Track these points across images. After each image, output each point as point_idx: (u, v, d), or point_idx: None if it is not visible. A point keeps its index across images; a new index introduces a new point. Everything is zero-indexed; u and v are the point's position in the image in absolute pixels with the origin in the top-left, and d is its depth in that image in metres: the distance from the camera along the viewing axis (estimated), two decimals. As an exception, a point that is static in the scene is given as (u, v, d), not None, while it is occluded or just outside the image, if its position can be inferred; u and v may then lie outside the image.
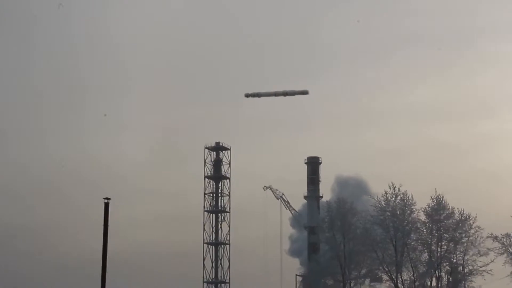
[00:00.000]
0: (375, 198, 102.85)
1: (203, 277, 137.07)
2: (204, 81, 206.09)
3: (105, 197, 62.36)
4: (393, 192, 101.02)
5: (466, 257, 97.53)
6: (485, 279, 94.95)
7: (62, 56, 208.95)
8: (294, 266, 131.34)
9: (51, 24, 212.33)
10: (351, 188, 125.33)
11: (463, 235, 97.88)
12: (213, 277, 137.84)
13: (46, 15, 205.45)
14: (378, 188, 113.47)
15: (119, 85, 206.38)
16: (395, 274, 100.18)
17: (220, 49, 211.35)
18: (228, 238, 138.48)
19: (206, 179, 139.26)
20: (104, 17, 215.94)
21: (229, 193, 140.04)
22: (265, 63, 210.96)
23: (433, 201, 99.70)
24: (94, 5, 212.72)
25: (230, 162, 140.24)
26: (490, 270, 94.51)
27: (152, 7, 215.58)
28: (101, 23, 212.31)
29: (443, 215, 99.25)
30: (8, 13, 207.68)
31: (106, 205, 61.97)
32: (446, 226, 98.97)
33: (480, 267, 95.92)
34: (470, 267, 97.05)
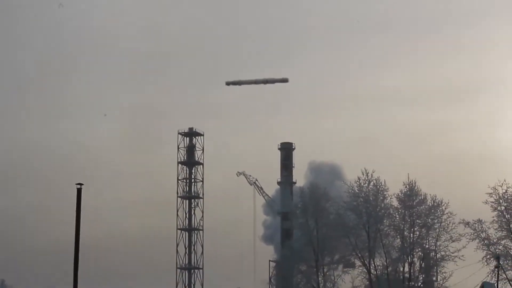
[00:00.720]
0: (348, 184, 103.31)
1: (177, 262, 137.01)
2: (180, 65, 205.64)
3: (77, 182, 62.03)
4: (366, 178, 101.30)
5: (438, 243, 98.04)
6: (457, 265, 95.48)
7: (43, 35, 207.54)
8: (268, 252, 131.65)
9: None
10: (324, 174, 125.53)
11: (435, 221, 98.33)
12: (186, 262, 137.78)
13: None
14: (351, 174, 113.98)
15: (96, 67, 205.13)
16: (368, 259, 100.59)
17: (199, 34, 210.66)
18: (201, 224, 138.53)
19: (180, 165, 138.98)
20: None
21: (203, 179, 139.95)
22: (242, 49, 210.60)
23: (406, 187, 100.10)
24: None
25: (203, 148, 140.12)
26: (462, 255, 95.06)
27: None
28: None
29: (416, 201, 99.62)
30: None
31: (79, 191, 61.59)
32: (419, 212, 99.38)
33: (452, 252, 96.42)
34: (442, 253, 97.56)
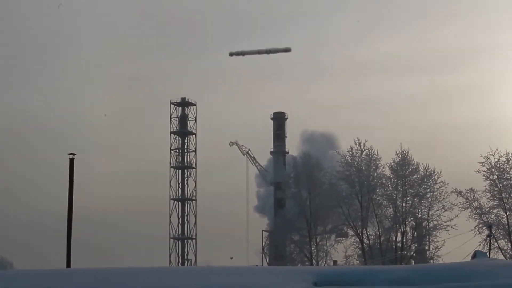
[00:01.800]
0: (341, 154, 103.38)
1: (170, 233, 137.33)
2: (173, 35, 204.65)
3: (70, 152, 61.93)
4: (359, 148, 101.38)
5: (430, 212, 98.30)
6: (449, 234, 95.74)
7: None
8: (261, 222, 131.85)
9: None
10: (317, 143, 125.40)
11: (428, 190, 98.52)
12: (179, 233, 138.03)
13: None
14: (344, 143, 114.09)
15: (89, 37, 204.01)
16: (360, 229, 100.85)
17: (195, 4, 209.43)
18: (194, 194, 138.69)
19: (172, 135, 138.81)
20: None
21: (195, 149, 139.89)
22: (234, 17, 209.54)
23: (398, 157, 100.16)
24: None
25: (196, 118, 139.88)
26: (455, 225, 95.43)
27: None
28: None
29: (408, 170, 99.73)
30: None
31: (71, 161, 61.58)
32: (411, 181, 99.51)
33: (445, 222, 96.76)
34: (435, 222, 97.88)
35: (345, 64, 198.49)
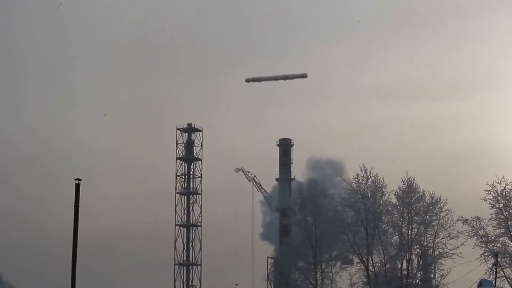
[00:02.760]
0: (346, 181, 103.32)
1: (175, 258, 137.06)
2: (179, 60, 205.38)
3: (76, 177, 61.95)
4: (365, 175, 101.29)
5: (436, 240, 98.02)
6: (455, 262, 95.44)
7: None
8: (266, 248, 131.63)
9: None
10: (323, 170, 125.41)
11: (434, 218, 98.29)
12: (184, 259, 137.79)
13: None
14: (350, 170, 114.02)
15: (95, 61, 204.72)
16: (366, 256, 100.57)
17: (203, 28, 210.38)
18: (199, 220, 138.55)
19: (178, 161, 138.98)
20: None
21: (201, 174, 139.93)
22: (243, 43, 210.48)
23: (404, 184, 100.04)
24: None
25: (202, 144, 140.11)
26: (460, 253, 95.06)
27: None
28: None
29: (414, 198, 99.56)
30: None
31: (77, 186, 61.55)
32: (417, 209, 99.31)
33: (450, 250, 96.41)
34: (440, 250, 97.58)
35: (351, 90, 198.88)
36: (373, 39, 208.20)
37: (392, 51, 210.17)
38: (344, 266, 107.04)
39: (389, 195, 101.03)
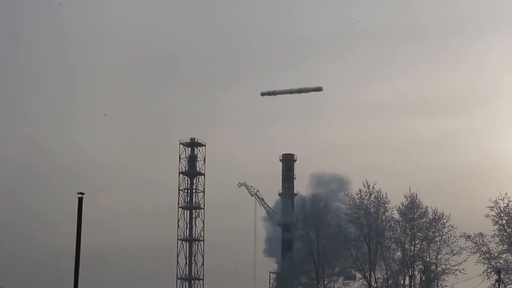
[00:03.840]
0: (349, 196, 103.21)
1: (177, 273, 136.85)
2: (182, 73, 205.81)
3: (78, 191, 61.98)
4: (367, 190, 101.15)
5: (439, 256, 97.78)
6: (458, 278, 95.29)
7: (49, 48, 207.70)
8: (268, 263, 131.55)
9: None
10: (326, 185, 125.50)
11: (436, 234, 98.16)
12: (186, 273, 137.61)
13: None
14: (353, 185, 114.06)
15: (99, 73, 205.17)
16: (368, 272, 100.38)
17: (205, 39, 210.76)
18: (202, 235, 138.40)
19: (181, 175, 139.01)
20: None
21: (204, 189, 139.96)
22: (243, 56, 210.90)
23: (407, 200, 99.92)
24: None
25: (205, 158, 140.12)
26: (463, 269, 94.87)
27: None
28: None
29: (417, 214, 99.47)
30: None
31: (80, 200, 61.58)
32: (420, 225, 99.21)
33: (453, 266, 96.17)
34: (443, 266, 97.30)
35: (354, 105, 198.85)
36: (377, 55, 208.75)
37: (396, 67, 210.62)
38: (347, 281, 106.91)
39: (392, 210, 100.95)
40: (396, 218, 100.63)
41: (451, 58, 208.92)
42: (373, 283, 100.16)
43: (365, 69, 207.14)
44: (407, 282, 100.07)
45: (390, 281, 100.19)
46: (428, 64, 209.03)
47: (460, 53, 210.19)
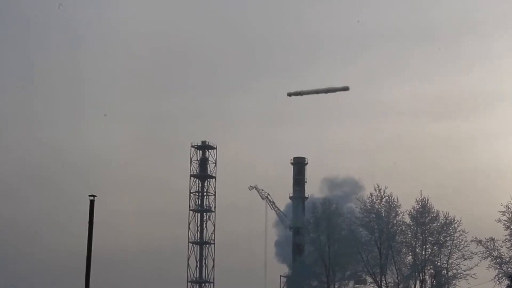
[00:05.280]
0: (361, 200, 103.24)
1: (187, 276, 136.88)
2: (194, 76, 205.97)
3: (90, 194, 62.07)
4: (378, 195, 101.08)
5: (450, 261, 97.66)
6: (469, 283, 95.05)
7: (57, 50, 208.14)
8: (279, 267, 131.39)
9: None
10: (338, 189, 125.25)
11: (448, 239, 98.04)
12: (197, 276, 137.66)
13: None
14: (364, 188, 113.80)
15: (109, 76, 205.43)
16: (379, 276, 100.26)
17: (218, 41, 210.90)
18: (213, 238, 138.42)
19: (192, 178, 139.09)
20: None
21: (215, 192, 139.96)
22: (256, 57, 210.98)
23: (418, 204, 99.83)
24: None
25: (216, 161, 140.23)
26: (474, 274, 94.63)
27: None
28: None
29: (428, 218, 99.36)
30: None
31: (92, 203, 61.66)
32: (431, 229, 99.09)
33: (464, 271, 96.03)
34: (454, 271, 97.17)
35: (367, 107, 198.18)
36: (391, 57, 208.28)
37: (411, 68, 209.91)
38: (357, 285, 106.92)
39: (403, 215, 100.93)
40: (407, 222, 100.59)
41: (467, 59, 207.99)
42: (383, 287, 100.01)
43: (379, 71, 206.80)
44: (418, 286, 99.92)
45: (401, 286, 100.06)
46: (443, 66, 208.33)
47: (475, 55, 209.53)
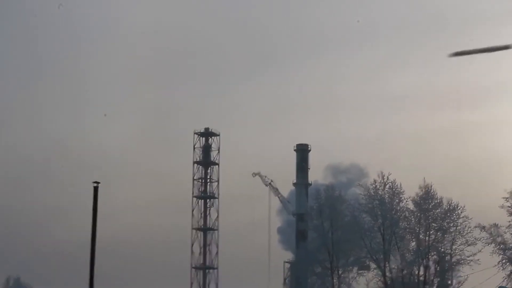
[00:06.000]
0: (364, 186, 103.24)
1: (191, 262, 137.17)
2: (196, 64, 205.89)
3: (94, 180, 62.14)
4: (382, 181, 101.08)
5: (453, 247, 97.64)
6: (472, 269, 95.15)
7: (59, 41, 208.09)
8: (283, 253, 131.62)
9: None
10: (341, 175, 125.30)
11: (451, 225, 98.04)
12: (201, 262, 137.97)
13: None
14: (368, 175, 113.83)
15: (111, 65, 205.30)
16: (383, 262, 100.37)
17: (219, 30, 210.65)
18: (216, 224, 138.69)
19: (195, 165, 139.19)
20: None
21: (218, 179, 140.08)
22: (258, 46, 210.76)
23: (422, 190, 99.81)
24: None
25: (219, 148, 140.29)
26: (478, 259, 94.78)
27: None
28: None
29: (431, 204, 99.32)
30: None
31: (96, 189, 61.75)
32: (434, 215, 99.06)
33: (468, 256, 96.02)
34: (458, 257, 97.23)
35: (372, 96, 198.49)
36: (398, 47, 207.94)
37: (416, 57, 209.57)
38: (361, 271, 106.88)
39: (406, 201, 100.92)
40: (411, 208, 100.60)
41: (474, 48, 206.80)
42: (387, 273, 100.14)
43: (385, 60, 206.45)
44: (421, 272, 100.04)
45: (404, 272, 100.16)
46: (443, 56, 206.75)
47: (483, 43, 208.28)
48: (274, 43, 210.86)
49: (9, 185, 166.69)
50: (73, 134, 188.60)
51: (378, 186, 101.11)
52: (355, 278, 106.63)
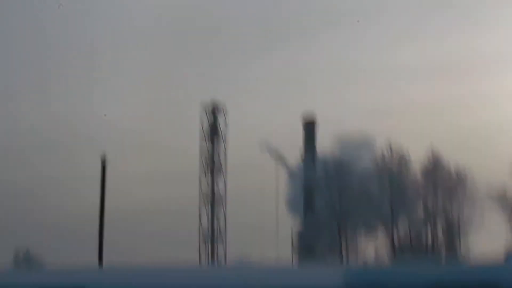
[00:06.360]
0: (372, 156, 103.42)
1: (200, 232, 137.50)
2: (205, 35, 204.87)
3: (101, 153, 62.22)
4: (391, 150, 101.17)
5: (462, 214, 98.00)
6: (481, 236, 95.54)
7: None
8: (291, 223, 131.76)
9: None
10: (350, 145, 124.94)
11: (460, 192, 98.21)
12: (209, 233, 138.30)
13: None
14: (377, 145, 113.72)
15: (117, 36, 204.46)
16: (390, 230, 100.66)
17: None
18: (224, 194, 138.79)
19: (203, 136, 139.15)
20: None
21: (225, 150, 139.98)
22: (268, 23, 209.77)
23: (430, 158, 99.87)
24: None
25: (226, 120, 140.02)
26: (487, 227, 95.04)
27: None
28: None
29: (440, 171, 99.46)
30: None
31: (103, 162, 61.88)
32: (443, 182, 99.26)
33: (476, 224, 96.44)
34: (466, 224, 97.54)
35: (385, 67, 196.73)
36: (407, 18, 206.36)
37: (429, 29, 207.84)
38: (369, 237, 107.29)
39: (415, 170, 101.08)
40: (419, 177, 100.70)
41: (485, 20, 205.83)
42: (395, 241, 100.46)
43: (396, 32, 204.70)
44: (429, 239, 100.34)
45: (412, 237, 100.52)
46: (461, 26, 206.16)
47: (493, 15, 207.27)
48: (286, 14, 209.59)
49: (16, 158, 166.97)
50: (78, 106, 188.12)
51: (386, 154, 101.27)
52: (364, 243, 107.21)
